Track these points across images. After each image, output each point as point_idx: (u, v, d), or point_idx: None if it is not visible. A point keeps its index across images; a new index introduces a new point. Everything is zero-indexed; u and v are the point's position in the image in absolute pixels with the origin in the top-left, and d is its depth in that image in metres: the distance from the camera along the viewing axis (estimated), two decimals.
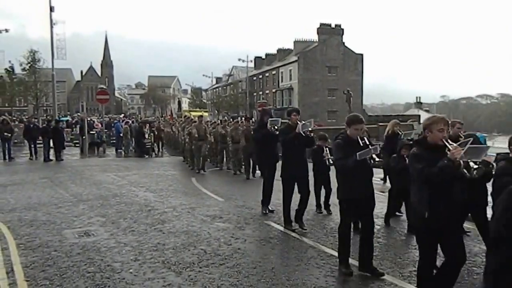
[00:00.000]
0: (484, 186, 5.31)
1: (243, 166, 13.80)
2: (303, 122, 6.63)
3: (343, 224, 5.12)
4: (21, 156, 19.58)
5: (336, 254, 5.78)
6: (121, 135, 21.76)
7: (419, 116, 49.60)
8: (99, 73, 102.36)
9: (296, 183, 7.01)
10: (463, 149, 3.61)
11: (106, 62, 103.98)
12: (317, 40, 56.47)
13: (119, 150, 21.84)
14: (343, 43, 56.23)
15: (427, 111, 59.14)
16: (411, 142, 5.92)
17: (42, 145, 18.69)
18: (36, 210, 8.32)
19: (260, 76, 66.22)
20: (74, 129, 28.64)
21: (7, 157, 17.57)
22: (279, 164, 7.51)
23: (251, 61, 60.84)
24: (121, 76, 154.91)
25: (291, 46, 61.46)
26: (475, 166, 3.63)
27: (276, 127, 7.57)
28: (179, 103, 47.49)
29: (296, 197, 7.09)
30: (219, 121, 21.13)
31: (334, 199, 6.59)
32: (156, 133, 22.59)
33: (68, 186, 11.24)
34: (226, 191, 10.63)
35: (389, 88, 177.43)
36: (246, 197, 9.94)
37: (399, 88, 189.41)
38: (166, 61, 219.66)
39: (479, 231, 5.88)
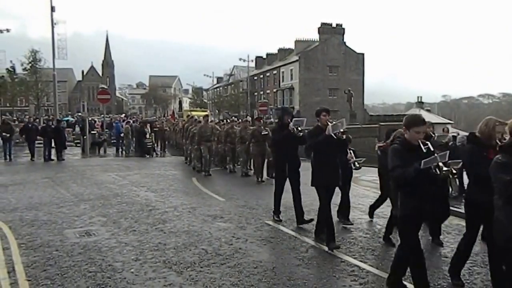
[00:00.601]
0: None
1: (249, 168, 13.54)
2: (334, 122, 6.05)
3: (406, 247, 4.27)
4: (22, 156, 19.58)
5: (337, 253, 5.80)
6: (122, 135, 21.77)
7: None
8: (100, 73, 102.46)
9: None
10: None
11: (107, 62, 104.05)
12: (318, 40, 56.43)
13: (119, 150, 21.84)
14: (344, 42, 56.19)
15: (428, 110, 59.10)
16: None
17: (41, 146, 18.70)
18: (38, 210, 8.33)
19: (261, 76, 66.21)
20: (75, 129, 28.70)
21: (7, 157, 17.59)
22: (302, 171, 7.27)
23: (252, 60, 60.89)
24: (122, 76, 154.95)
25: (292, 46, 61.44)
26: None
27: (299, 128, 6.85)
28: (180, 103, 47.57)
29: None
30: (225, 120, 20.68)
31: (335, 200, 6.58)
32: (158, 133, 22.57)
33: (69, 186, 11.26)
34: (227, 191, 10.63)
35: (391, 88, 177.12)
36: (247, 197, 9.95)
37: (401, 88, 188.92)
38: (167, 60, 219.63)
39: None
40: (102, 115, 27.45)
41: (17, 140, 22.02)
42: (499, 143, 3.65)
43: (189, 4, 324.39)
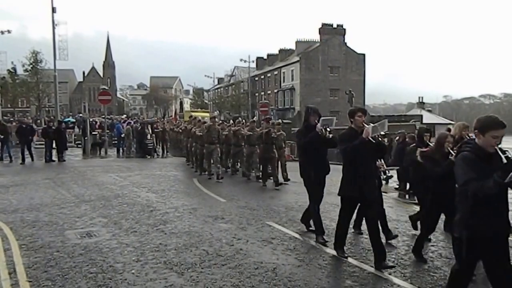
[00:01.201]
0: None
1: (253, 171, 13.07)
2: (373, 124, 5.31)
3: (462, 271, 3.67)
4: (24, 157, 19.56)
5: (337, 254, 5.79)
6: (122, 135, 21.78)
7: (421, 116, 49.52)
8: (101, 74, 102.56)
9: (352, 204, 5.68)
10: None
11: (108, 63, 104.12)
12: (319, 40, 56.43)
13: (120, 151, 21.85)
14: (345, 43, 56.18)
15: (429, 111, 59.01)
16: None
17: (42, 147, 18.71)
18: (39, 210, 8.34)
19: (262, 77, 66.23)
20: (75, 130, 28.76)
21: (8, 158, 17.61)
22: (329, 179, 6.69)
23: (253, 61, 60.91)
24: (123, 77, 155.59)
25: (293, 46, 61.43)
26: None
27: (328, 129, 6.09)
28: (181, 104, 47.55)
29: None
30: (230, 121, 20.30)
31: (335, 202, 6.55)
32: (160, 134, 22.47)
33: (70, 187, 11.26)
34: (228, 192, 10.63)
35: (392, 88, 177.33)
36: (248, 197, 9.95)
37: (402, 88, 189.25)
38: (167, 61, 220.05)
39: None
40: (103, 116, 27.49)
41: (17, 142, 22.03)
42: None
43: (190, 5, 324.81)
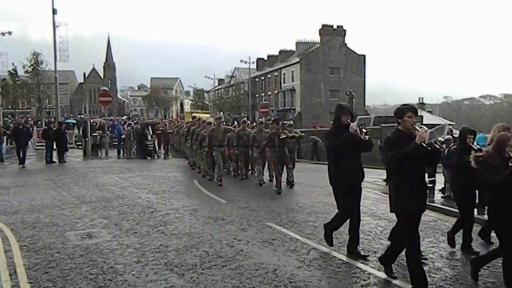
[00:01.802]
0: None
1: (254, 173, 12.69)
2: (429, 129, 4.44)
3: None
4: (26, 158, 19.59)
5: (338, 255, 5.80)
6: (123, 137, 21.79)
7: (421, 117, 49.51)
8: (102, 75, 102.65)
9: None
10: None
11: (109, 64, 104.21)
12: (319, 41, 56.47)
13: (121, 152, 21.85)
14: (345, 44, 56.22)
15: (430, 112, 59.06)
16: None
17: (42, 148, 18.71)
18: (39, 212, 8.34)
19: (262, 78, 66.26)
20: (74, 131, 28.78)
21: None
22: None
23: (253, 62, 60.92)
24: (123, 78, 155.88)
25: (293, 47, 61.49)
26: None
27: (364, 130, 5.31)
28: (181, 105, 47.53)
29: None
30: (234, 122, 19.84)
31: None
32: (161, 135, 22.36)
33: (71, 188, 11.27)
34: (228, 193, 10.62)
35: (392, 89, 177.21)
36: (249, 199, 9.94)
37: (402, 89, 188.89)
38: (168, 62, 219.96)
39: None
40: (104, 117, 27.53)
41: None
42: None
43: (190, 6, 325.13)
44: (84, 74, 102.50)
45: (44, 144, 18.95)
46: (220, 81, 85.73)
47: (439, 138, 4.41)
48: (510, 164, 4.37)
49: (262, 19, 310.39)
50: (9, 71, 46.02)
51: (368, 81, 64.39)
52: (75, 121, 37.34)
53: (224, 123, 15.20)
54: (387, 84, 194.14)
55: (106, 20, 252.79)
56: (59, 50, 27.73)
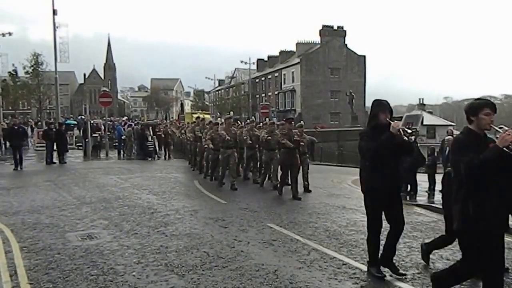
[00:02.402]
0: None
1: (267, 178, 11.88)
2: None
3: None
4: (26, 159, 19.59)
5: (338, 256, 5.79)
6: (123, 137, 21.79)
7: (422, 117, 49.50)
8: (102, 76, 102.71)
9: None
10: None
11: (109, 65, 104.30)
12: (320, 42, 56.55)
13: (121, 153, 21.86)
14: (346, 44, 56.30)
15: (430, 112, 58.91)
16: None
17: (43, 149, 18.70)
18: (39, 213, 8.34)
19: (263, 78, 66.33)
20: (74, 132, 28.78)
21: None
22: None
23: (254, 63, 60.97)
24: (124, 79, 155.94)
25: (293, 48, 61.60)
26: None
27: (409, 130, 4.63)
28: (182, 106, 47.57)
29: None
30: (238, 122, 18.98)
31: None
32: (163, 136, 22.18)
33: (71, 189, 11.27)
34: (228, 194, 10.62)
35: (392, 89, 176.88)
36: (249, 199, 9.94)
37: (402, 90, 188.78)
38: (168, 63, 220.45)
39: None
40: (104, 118, 27.55)
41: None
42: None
43: (190, 6, 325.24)
44: (85, 75, 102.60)
45: (44, 145, 18.95)
46: (221, 81, 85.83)
47: None
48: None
49: (263, 19, 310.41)
50: (9, 72, 46.03)
51: (369, 82, 64.33)
52: (75, 122, 37.37)
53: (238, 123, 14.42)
54: (387, 85, 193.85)
55: (106, 20, 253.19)
56: (59, 51, 27.72)
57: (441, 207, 9.67)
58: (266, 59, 68.40)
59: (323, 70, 54.90)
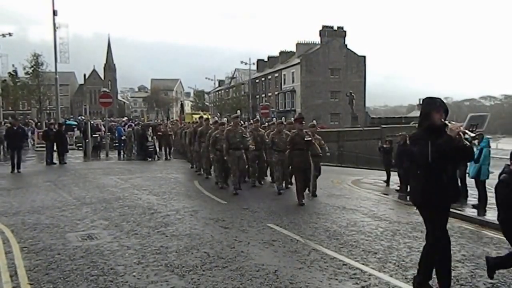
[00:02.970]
0: None
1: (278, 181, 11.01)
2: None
3: None
4: (25, 160, 19.60)
5: (339, 256, 5.79)
6: (123, 138, 21.77)
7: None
8: (102, 77, 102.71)
9: None
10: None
11: (109, 66, 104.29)
12: (320, 43, 56.55)
13: (121, 153, 21.85)
14: (346, 45, 56.29)
15: None
16: None
17: (43, 150, 18.68)
18: (40, 213, 8.34)
19: (263, 79, 66.33)
20: (78, 133, 28.75)
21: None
22: None
23: (254, 63, 61.03)
24: (124, 79, 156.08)
25: (293, 49, 61.59)
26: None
27: (472, 134, 4.11)
28: (182, 106, 47.51)
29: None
30: (248, 122, 18.04)
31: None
32: (162, 137, 21.98)
33: (71, 190, 11.27)
34: (229, 194, 10.61)
35: (392, 90, 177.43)
36: (249, 200, 9.93)
37: (402, 90, 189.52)
38: (168, 64, 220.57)
39: None
40: (104, 119, 27.56)
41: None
42: None
43: (190, 7, 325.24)
44: (85, 76, 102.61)
45: (44, 145, 18.94)
46: (221, 82, 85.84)
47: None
48: None
49: (263, 20, 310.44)
50: (9, 73, 46.07)
51: (369, 82, 64.53)
52: (76, 123, 37.38)
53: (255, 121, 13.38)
54: (387, 85, 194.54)
55: (106, 21, 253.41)
56: (59, 51, 27.74)
57: None
58: (266, 59, 68.40)
59: (323, 71, 54.90)
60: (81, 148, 23.59)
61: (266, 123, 15.56)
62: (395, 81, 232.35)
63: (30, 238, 6.60)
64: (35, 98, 47.28)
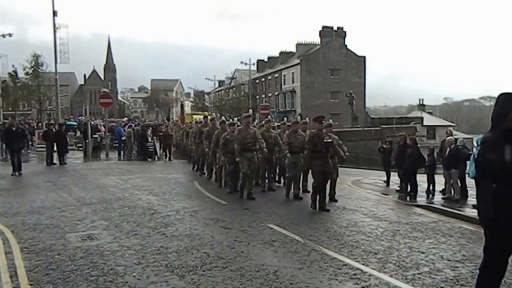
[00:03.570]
0: None
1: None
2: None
3: None
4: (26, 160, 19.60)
5: (339, 257, 5.79)
6: (123, 138, 21.77)
7: (422, 118, 49.58)
8: (102, 77, 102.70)
9: None
10: None
11: (109, 66, 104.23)
12: (320, 43, 56.57)
13: (121, 154, 21.85)
14: (346, 45, 56.31)
15: (430, 113, 59.10)
16: None
17: (43, 150, 18.68)
18: (40, 214, 8.34)
19: (263, 79, 66.33)
20: (78, 133, 28.76)
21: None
22: None
23: (254, 64, 61.01)
24: (124, 80, 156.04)
25: (293, 49, 61.58)
26: None
27: None
28: (182, 107, 47.51)
29: None
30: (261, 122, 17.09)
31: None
32: (163, 138, 21.86)
33: (71, 190, 11.27)
34: (229, 195, 10.61)
35: (392, 90, 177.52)
36: (249, 200, 9.92)
37: (402, 90, 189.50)
38: (168, 64, 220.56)
39: None
40: (104, 119, 27.56)
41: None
42: None
43: (190, 7, 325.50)
44: (85, 76, 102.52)
45: (44, 145, 18.94)
46: (221, 82, 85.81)
47: None
48: None
49: (263, 20, 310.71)
50: (9, 73, 46.08)
51: (368, 83, 64.49)
52: (77, 123, 37.39)
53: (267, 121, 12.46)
54: (387, 86, 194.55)
55: (105, 21, 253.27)
56: (59, 52, 27.76)
57: (442, 207, 9.74)
58: (266, 60, 68.38)
59: (323, 71, 54.91)
60: (81, 149, 23.60)
61: (275, 124, 14.96)
62: (395, 82, 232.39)
63: (30, 238, 6.60)
64: (35, 99, 47.28)
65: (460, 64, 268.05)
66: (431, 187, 11.80)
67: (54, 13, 26.24)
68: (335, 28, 56.29)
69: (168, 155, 21.12)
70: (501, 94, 3.74)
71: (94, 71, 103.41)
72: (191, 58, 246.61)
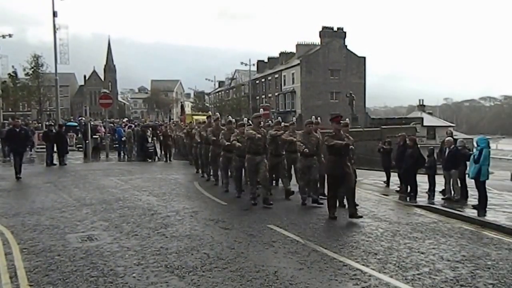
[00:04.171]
0: None
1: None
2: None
3: None
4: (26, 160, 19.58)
5: (339, 257, 5.79)
6: (123, 139, 21.76)
7: (422, 118, 49.56)
8: (102, 78, 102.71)
9: None
10: None
11: (109, 67, 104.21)
12: (320, 43, 56.56)
13: (121, 154, 21.84)
14: (346, 46, 56.29)
15: (430, 113, 59.07)
16: None
17: (43, 151, 18.67)
18: (40, 214, 8.34)
19: (263, 80, 66.32)
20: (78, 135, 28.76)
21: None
22: None
23: (254, 64, 61.03)
24: (124, 80, 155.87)
25: (293, 50, 61.53)
26: None
27: None
28: (182, 107, 47.51)
29: None
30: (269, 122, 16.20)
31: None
32: (163, 139, 21.72)
33: (71, 191, 11.26)
34: (229, 195, 10.61)
35: (392, 91, 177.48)
36: (249, 201, 9.91)
37: (402, 91, 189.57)
38: (168, 65, 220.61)
39: None
40: (104, 120, 27.56)
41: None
42: None
43: (190, 8, 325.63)
44: (85, 77, 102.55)
45: (44, 146, 18.93)
46: (221, 83, 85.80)
47: None
48: None
49: (263, 21, 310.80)
50: (9, 74, 46.03)
51: (368, 83, 64.50)
52: (77, 124, 37.39)
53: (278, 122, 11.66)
54: (387, 86, 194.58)
55: (105, 22, 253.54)
56: (59, 52, 27.75)
57: (441, 208, 9.74)
58: (266, 60, 68.32)
59: (323, 72, 54.89)
60: (81, 149, 23.59)
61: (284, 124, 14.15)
62: (395, 82, 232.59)
63: (30, 239, 6.60)
64: (35, 99, 47.20)
65: (460, 64, 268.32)
66: (431, 188, 11.79)
67: (54, 14, 26.23)
68: (335, 29, 56.24)
69: (168, 155, 21.08)
70: None
71: (94, 71, 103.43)
72: (191, 58, 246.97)
